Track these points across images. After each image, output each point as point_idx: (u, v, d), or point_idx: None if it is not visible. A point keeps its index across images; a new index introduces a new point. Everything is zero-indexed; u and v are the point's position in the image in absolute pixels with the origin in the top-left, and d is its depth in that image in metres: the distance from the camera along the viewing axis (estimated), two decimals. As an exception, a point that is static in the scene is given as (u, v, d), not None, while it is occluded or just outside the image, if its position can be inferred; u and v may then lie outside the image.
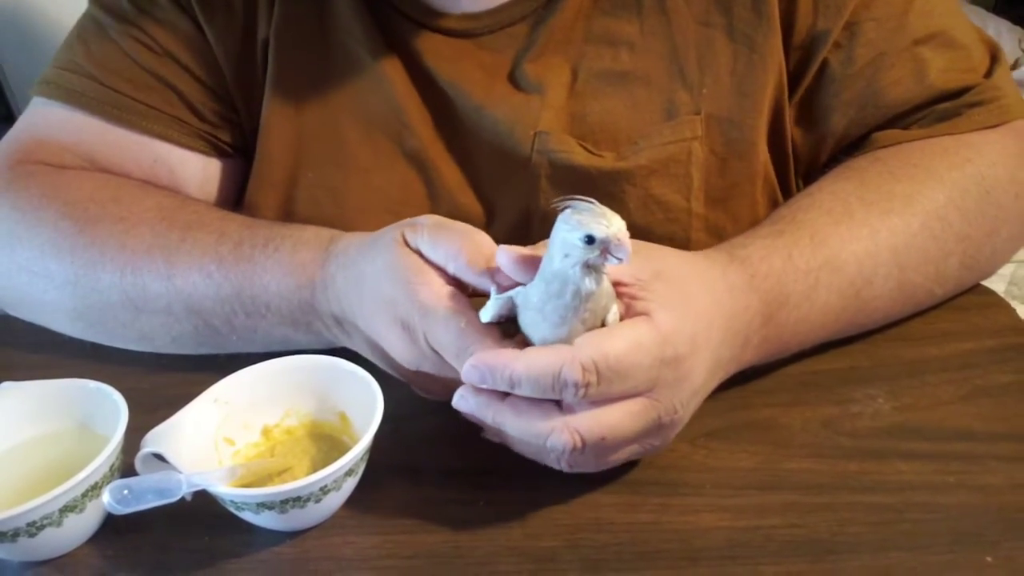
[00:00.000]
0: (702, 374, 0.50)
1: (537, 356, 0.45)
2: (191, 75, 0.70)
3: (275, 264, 0.59)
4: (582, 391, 0.45)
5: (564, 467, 0.49)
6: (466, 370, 0.47)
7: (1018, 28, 2.13)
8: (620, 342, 0.45)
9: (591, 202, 0.44)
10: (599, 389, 0.45)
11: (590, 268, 0.44)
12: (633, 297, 0.48)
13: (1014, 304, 0.68)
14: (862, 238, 0.59)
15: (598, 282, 0.45)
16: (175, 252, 0.62)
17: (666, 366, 0.47)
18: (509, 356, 0.46)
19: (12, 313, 0.70)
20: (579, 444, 0.46)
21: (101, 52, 0.70)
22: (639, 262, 0.48)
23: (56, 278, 0.64)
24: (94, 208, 0.65)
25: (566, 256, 0.44)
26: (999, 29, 2.09)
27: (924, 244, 0.61)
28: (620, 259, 0.44)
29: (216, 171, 0.75)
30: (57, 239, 0.64)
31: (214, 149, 0.74)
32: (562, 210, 0.45)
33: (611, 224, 0.43)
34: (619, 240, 0.43)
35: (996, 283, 0.69)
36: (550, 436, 0.47)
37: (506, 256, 0.48)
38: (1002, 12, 2.24)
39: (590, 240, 0.43)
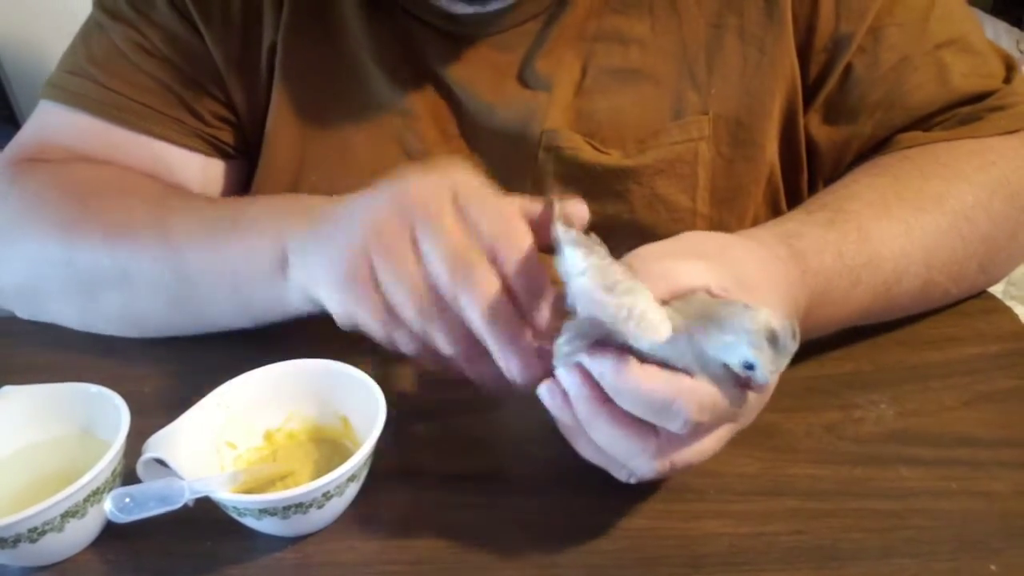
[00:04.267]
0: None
1: (653, 377, 0.42)
2: (188, 78, 0.71)
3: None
4: (689, 428, 0.42)
5: (632, 481, 0.47)
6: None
7: (1016, 30, 2.13)
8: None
9: (782, 339, 0.42)
10: (706, 426, 0.44)
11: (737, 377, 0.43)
12: None
13: (1012, 304, 0.68)
14: (899, 235, 0.59)
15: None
16: (169, 205, 0.65)
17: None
18: (625, 361, 0.42)
19: (17, 307, 0.70)
20: (667, 471, 0.45)
21: (102, 55, 0.71)
22: (721, 269, 0.46)
23: (52, 250, 0.65)
24: (98, 184, 0.67)
25: (717, 353, 0.42)
26: (997, 31, 2.09)
27: (952, 244, 0.61)
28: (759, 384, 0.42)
29: (217, 172, 0.75)
30: (61, 214, 0.65)
31: (215, 150, 0.74)
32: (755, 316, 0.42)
33: (777, 369, 0.42)
34: (766, 388, 0.42)
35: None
36: (640, 458, 0.45)
37: None
38: (1000, 14, 2.24)
39: (749, 367, 0.42)
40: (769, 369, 0.41)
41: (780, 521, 0.50)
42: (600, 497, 0.52)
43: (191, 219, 0.63)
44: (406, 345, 0.51)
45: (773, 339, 0.41)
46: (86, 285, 0.65)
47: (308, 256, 0.56)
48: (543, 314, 0.48)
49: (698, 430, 0.44)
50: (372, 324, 0.51)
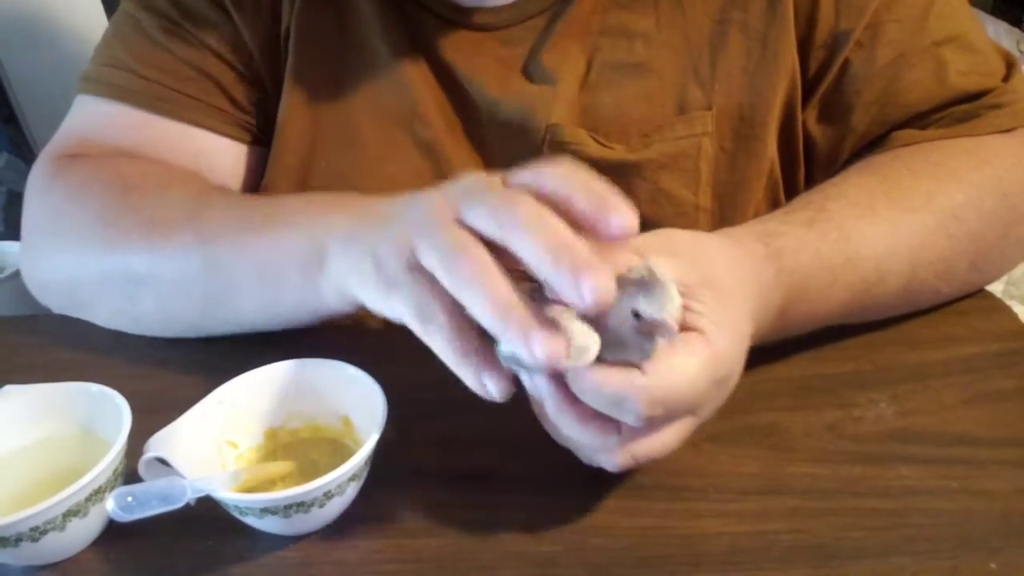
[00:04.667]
0: (738, 381, 0.50)
1: (608, 376, 0.43)
2: (225, 63, 0.72)
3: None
4: (643, 421, 0.44)
5: (596, 467, 0.49)
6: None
7: (1016, 30, 2.13)
8: (686, 373, 0.44)
9: (661, 282, 0.43)
10: (662, 418, 0.45)
11: (642, 333, 0.43)
12: (684, 307, 0.45)
13: (1012, 304, 0.68)
14: (883, 235, 0.59)
15: (651, 343, 0.44)
16: (207, 201, 0.65)
17: (717, 386, 0.46)
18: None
19: (57, 302, 0.70)
20: (630, 464, 0.46)
21: (138, 46, 0.72)
22: (686, 266, 0.47)
23: (93, 245, 0.65)
24: (139, 178, 0.68)
25: (620, 321, 0.43)
26: (997, 31, 2.09)
27: (939, 243, 0.61)
28: (669, 335, 0.43)
29: (251, 158, 0.76)
30: (101, 209, 0.66)
31: (250, 135, 0.75)
32: (636, 274, 0.43)
33: (663, 307, 0.42)
34: (666, 326, 0.42)
35: (994, 283, 0.69)
36: (603, 452, 0.47)
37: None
38: (1000, 14, 2.24)
39: (636, 315, 0.43)
40: (654, 308, 0.42)
41: (780, 520, 0.50)
42: (600, 497, 0.52)
43: (227, 213, 0.63)
44: (438, 330, 0.46)
45: (643, 284, 0.43)
46: (122, 281, 0.65)
47: (352, 247, 0.53)
48: (611, 218, 0.43)
49: (654, 423, 0.45)
50: (406, 307, 0.47)
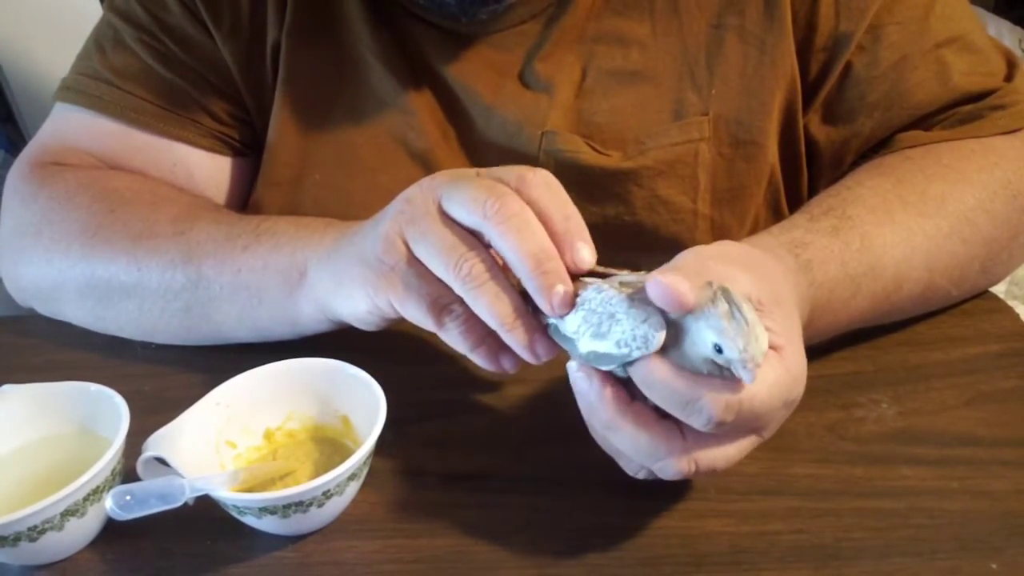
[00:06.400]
0: None
1: (683, 373, 0.43)
2: (202, 78, 0.71)
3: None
4: (712, 426, 0.42)
5: (640, 476, 0.47)
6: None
7: (1018, 29, 2.12)
8: (763, 387, 0.43)
9: (747, 316, 0.41)
10: (730, 427, 0.43)
11: (717, 365, 0.42)
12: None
13: (1014, 304, 0.68)
14: (900, 242, 0.59)
15: (719, 372, 0.42)
16: (196, 216, 0.65)
17: (786, 407, 0.45)
18: (657, 360, 0.43)
19: (37, 305, 0.70)
20: (690, 473, 0.44)
21: (118, 58, 0.72)
22: (759, 283, 0.46)
23: (74, 254, 0.65)
24: (129, 195, 0.68)
25: (693, 344, 0.42)
26: (1000, 29, 2.08)
27: (953, 248, 0.61)
28: (743, 378, 0.42)
29: (232, 170, 0.76)
30: (88, 219, 0.66)
31: (229, 148, 0.74)
32: (719, 294, 0.42)
33: (746, 348, 0.41)
34: (746, 365, 0.41)
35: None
36: (665, 460, 0.44)
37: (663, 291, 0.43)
38: (1002, 13, 2.24)
39: (719, 350, 0.41)
40: (738, 347, 0.41)
41: (781, 520, 0.50)
42: (601, 496, 0.52)
43: (214, 229, 0.63)
44: (452, 321, 0.50)
45: (730, 315, 0.41)
46: (103, 291, 0.65)
47: (334, 263, 0.56)
48: (581, 247, 0.47)
49: (722, 430, 0.43)
50: (408, 302, 0.50)
